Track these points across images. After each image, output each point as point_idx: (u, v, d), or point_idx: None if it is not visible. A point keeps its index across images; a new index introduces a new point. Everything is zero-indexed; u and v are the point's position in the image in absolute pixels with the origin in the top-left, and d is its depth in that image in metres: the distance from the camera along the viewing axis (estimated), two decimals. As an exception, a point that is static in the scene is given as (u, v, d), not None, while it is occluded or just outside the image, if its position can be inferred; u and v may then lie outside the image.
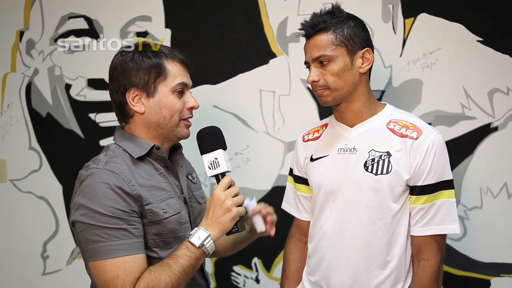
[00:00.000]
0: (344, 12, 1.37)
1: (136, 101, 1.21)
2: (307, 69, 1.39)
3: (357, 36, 1.35)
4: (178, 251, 1.13)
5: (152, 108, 1.21)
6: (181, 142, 1.33)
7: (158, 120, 1.22)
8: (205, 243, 1.14)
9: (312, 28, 1.34)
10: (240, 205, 1.20)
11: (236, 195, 1.19)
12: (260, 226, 1.37)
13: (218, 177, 1.22)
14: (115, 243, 1.08)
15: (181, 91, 1.24)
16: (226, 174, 1.22)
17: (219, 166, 1.21)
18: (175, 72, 1.23)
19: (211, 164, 1.21)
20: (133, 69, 1.20)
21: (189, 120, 1.27)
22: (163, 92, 1.21)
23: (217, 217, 1.16)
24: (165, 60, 1.22)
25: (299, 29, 1.38)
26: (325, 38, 1.33)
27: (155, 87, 1.21)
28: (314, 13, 1.38)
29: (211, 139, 1.23)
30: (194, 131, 1.30)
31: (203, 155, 1.23)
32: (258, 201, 1.93)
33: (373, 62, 1.37)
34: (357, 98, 1.37)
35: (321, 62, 1.33)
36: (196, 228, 1.16)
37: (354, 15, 1.39)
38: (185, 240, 1.15)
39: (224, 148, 1.23)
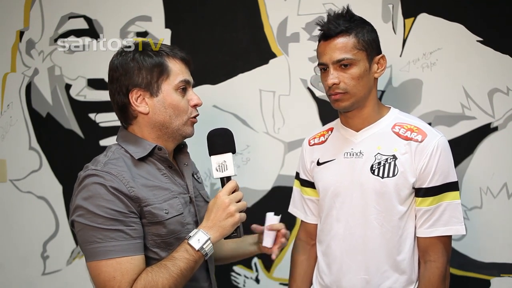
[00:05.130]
0: (357, 16, 1.37)
1: (139, 102, 1.20)
2: (323, 71, 1.37)
3: (374, 42, 1.36)
4: (177, 253, 1.12)
5: (156, 108, 1.20)
6: (186, 141, 1.33)
7: (163, 119, 1.21)
8: (204, 246, 1.13)
9: (334, 29, 1.32)
10: (243, 211, 1.19)
11: (239, 201, 1.19)
12: (268, 241, 1.37)
13: (223, 180, 1.22)
14: (111, 244, 1.08)
15: (184, 88, 1.24)
16: (232, 178, 1.22)
17: (227, 169, 1.21)
18: (177, 70, 1.22)
19: (219, 166, 1.21)
20: (135, 69, 1.19)
21: (195, 117, 1.27)
22: (167, 91, 1.21)
23: (218, 220, 1.16)
24: (166, 58, 1.21)
25: (319, 29, 1.37)
26: (347, 41, 1.32)
27: (158, 86, 1.20)
28: (329, 14, 1.37)
29: (222, 141, 1.22)
30: (195, 131, 1.30)
31: (212, 156, 1.22)
32: (258, 201, 1.94)
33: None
34: (369, 103, 1.38)
35: (343, 65, 1.32)
36: (195, 230, 1.16)
37: (365, 20, 1.39)
38: (184, 242, 1.14)
39: (234, 152, 1.22)
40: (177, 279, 1.10)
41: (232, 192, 1.20)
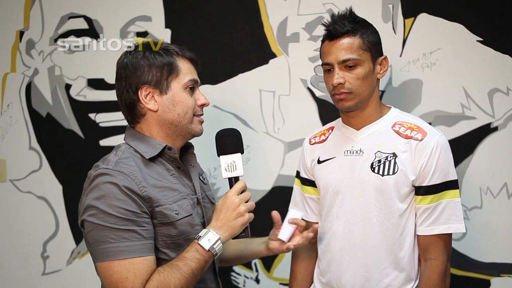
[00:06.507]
0: (360, 17, 1.38)
1: (149, 99, 1.20)
2: (327, 71, 1.38)
3: (378, 43, 1.38)
4: (188, 253, 1.12)
5: (165, 105, 1.21)
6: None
7: (172, 117, 1.21)
8: (214, 246, 1.13)
9: (340, 30, 1.33)
10: (251, 211, 1.20)
11: (247, 201, 1.20)
12: (285, 234, 1.35)
13: (232, 180, 1.22)
14: (124, 245, 1.07)
15: (192, 87, 1.24)
16: (240, 178, 1.22)
17: (236, 169, 1.21)
18: (186, 70, 1.23)
19: (228, 166, 1.21)
20: (145, 66, 1.20)
21: (201, 116, 1.28)
22: (176, 89, 1.21)
23: (228, 220, 1.16)
24: (176, 57, 1.22)
25: (324, 29, 1.38)
26: (353, 42, 1.33)
27: (167, 84, 1.21)
28: (334, 15, 1.38)
29: (231, 141, 1.23)
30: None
31: (222, 156, 1.22)
32: (258, 201, 1.94)
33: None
34: (371, 103, 1.39)
35: (348, 65, 1.33)
36: (205, 230, 1.15)
37: (368, 21, 1.40)
38: (194, 242, 1.14)
39: (242, 152, 1.23)
40: (188, 279, 1.10)
41: (241, 192, 1.20)
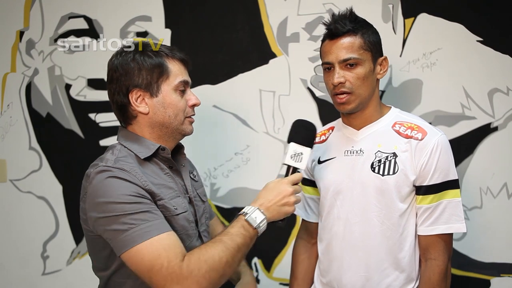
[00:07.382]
0: (360, 17, 1.38)
1: (139, 102, 1.21)
2: (327, 70, 1.38)
3: (378, 43, 1.38)
4: (233, 229, 1.12)
5: (156, 108, 1.21)
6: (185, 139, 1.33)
7: (163, 119, 1.22)
8: (261, 224, 1.14)
9: (341, 29, 1.33)
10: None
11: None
12: None
13: (289, 169, 1.25)
14: (145, 226, 1.06)
15: (183, 89, 1.25)
16: (298, 171, 1.25)
17: (300, 161, 1.25)
18: (177, 71, 1.23)
19: (295, 155, 1.24)
20: (135, 69, 1.19)
21: (192, 117, 1.28)
22: (166, 91, 1.21)
23: (277, 205, 1.17)
24: (166, 59, 1.22)
25: (325, 28, 1.37)
26: (354, 41, 1.33)
27: (158, 87, 1.21)
28: (334, 14, 1.37)
29: (306, 134, 1.27)
30: (194, 131, 1.30)
31: (293, 143, 1.25)
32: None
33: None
34: (371, 103, 1.39)
35: (349, 64, 1.33)
36: (251, 207, 1.15)
37: (368, 21, 1.40)
38: (240, 218, 1.14)
39: (312, 148, 1.27)
40: (234, 253, 1.08)
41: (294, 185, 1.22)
